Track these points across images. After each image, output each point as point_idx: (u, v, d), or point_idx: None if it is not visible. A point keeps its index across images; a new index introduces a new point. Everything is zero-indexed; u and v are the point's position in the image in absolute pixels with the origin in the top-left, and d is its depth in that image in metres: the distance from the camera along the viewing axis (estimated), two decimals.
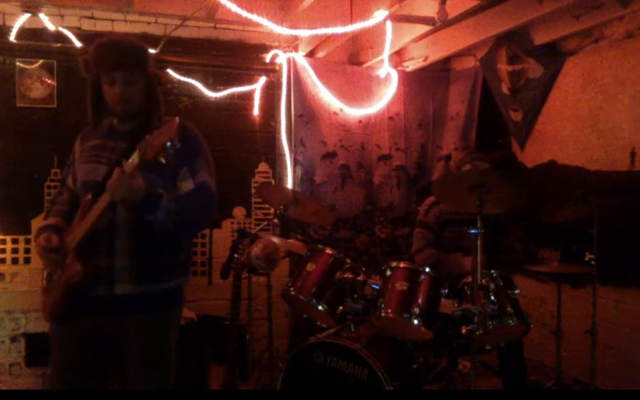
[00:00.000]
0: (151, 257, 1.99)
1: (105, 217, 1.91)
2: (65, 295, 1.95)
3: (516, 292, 2.88)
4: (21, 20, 3.87)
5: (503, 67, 4.26)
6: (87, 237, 1.92)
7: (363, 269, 3.01)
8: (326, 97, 4.61)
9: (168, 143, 1.75)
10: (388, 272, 2.87)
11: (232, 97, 4.51)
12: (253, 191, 4.56)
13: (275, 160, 4.63)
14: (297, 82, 4.53)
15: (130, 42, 2.05)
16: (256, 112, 4.58)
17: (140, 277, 1.96)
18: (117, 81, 1.96)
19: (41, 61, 4.03)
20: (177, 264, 2.09)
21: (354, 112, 4.72)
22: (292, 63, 4.52)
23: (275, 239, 3.25)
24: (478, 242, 2.57)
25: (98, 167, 2.01)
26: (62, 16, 4.06)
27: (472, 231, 2.58)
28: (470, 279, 2.66)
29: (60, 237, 1.99)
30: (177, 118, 1.82)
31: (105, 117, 2.09)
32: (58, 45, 4.02)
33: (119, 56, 1.98)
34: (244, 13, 3.51)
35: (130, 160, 1.82)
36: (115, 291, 1.94)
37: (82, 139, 2.14)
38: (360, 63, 4.89)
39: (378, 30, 4.29)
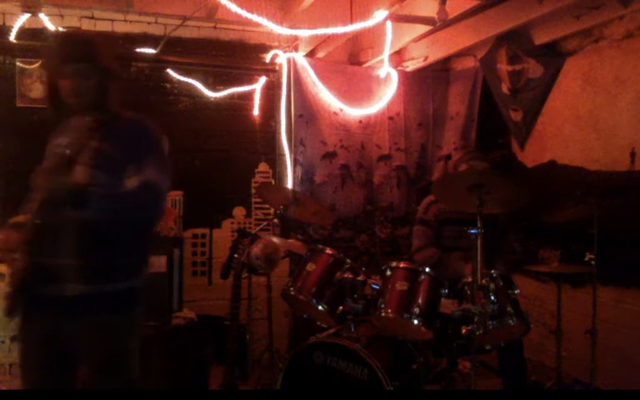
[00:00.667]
0: (100, 258, 1.95)
1: (44, 213, 1.88)
2: (13, 290, 1.92)
3: (516, 292, 2.88)
4: (21, 20, 3.87)
5: (503, 67, 4.26)
6: (33, 234, 1.89)
7: (363, 269, 3.01)
8: (326, 97, 4.61)
9: (151, 150, 1.77)
10: (388, 272, 2.86)
11: (232, 97, 4.52)
12: (253, 191, 4.56)
13: (275, 160, 4.64)
14: (297, 82, 4.53)
15: (82, 36, 2.06)
16: (256, 112, 4.58)
17: (89, 278, 1.93)
18: (67, 74, 1.96)
19: (41, 61, 4.03)
20: (129, 265, 2.04)
21: (354, 112, 4.72)
22: (292, 63, 4.52)
23: (275, 239, 3.26)
24: (478, 242, 2.57)
25: None
26: (62, 16, 4.06)
27: (472, 231, 2.58)
28: (470, 279, 2.66)
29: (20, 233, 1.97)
30: (126, 114, 1.85)
31: (66, 111, 2.08)
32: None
33: (69, 50, 1.97)
34: (244, 13, 3.51)
35: (61, 155, 1.86)
36: (65, 291, 1.92)
37: (51, 138, 2.15)
38: (360, 63, 4.89)
39: (378, 30, 4.29)
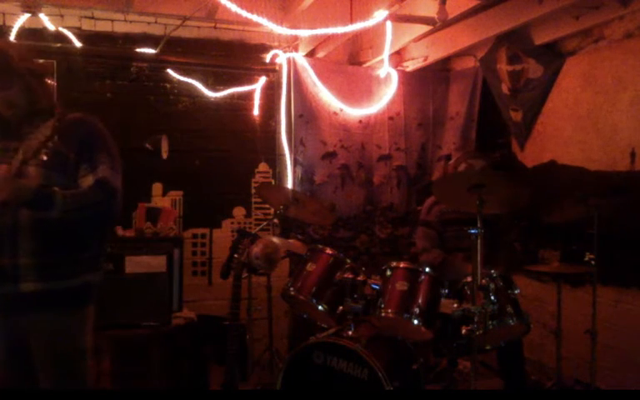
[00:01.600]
0: (55, 255, 2.00)
1: (5, 216, 1.92)
2: None
3: (516, 292, 2.88)
4: (21, 20, 3.87)
5: (503, 67, 4.26)
6: None
7: (363, 269, 3.00)
8: (326, 97, 4.61)
9: (49, 142, 1.79)
10: (388, 272, 2.87)
11: (232, 97, 4.52)
12: (253, 191, 4.56)
13: (275, 160, 4.64)
14: (297, 82, 4.53)
15: None
16: (256, 112, 4.58)
17: (45, 275, 1.97)
18: None
19: (41, 61, 4.03)
20: (84, 261, 2.08)
21: (354, 112, 4.72)
22: (292, 63, 4.52)
23: (275, 239, 3.26)
24: (478, 242, 2.57)
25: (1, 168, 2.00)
26: (62, 16, 4.06)
27: (472, 231, 2.58)
28: (470, 279, 2.66)
29: None
30: (73, 114, 1.88)
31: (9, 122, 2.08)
32: (58, 45, 4.02)
33: None
34: (244, 13, 3.51)
35: (15, 159, 1.87)
36: (20, 289, 1.95)
37: None
38: (360, 63, 4.89)
39: (378, 30, 4.29)
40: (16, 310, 1.98)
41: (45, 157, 1.89)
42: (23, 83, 2.01)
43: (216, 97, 4.47)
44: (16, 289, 1.95)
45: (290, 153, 4.55)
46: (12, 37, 3.90)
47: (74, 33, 4.06)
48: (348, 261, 2.99)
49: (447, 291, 2.84)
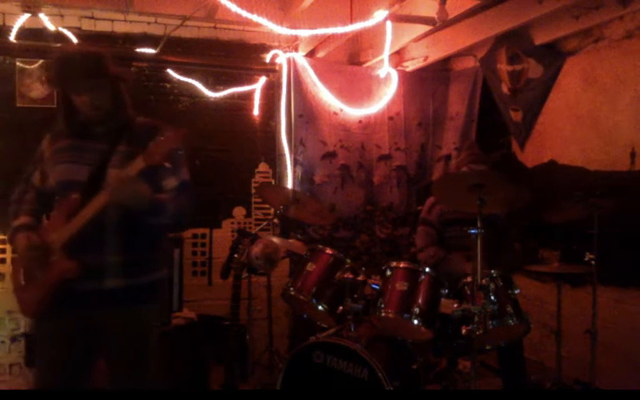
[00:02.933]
0: (138, 252, 2.07)
1: (105, 215, 1.96)
2: (51, 292, 1.98)
3: (516, 292, 2.88)
4: (21, 20, 3.87)
5: (503, 67, 4.26)
6: (75, 234, 1.96)
7: (363, 269, 3.00)
8: (326, 97, 4.61)
9: (179, 151, 1.85)
10: (388, 272, 2.86)
11: (232, 97, 4.52)
12: (253, 191, 4.56)
13: (275, 160, 4.64)
14: (297, 82, 4.53)
15: (86, 53, 2.09)
16: (256, 112, 4.58)
17: (128, 272, 2.03)
18: (81, 92, 2.02)
19: (41, 61, 4.03)
20: (159, 258, 2.18)
21: (354, 112, 4.72)
22: (292, 63, 4.52)
23: (275, 239, 3.26)
24: (478, 242, 2.57)
25: (79, 168, 2.04)
26: (62, 16, 4.06)
27: (472, 231, 2.58)
28: (470, 279, 2.66)
29: (38, 234, 2.03)
30: (179, 128, 1.91)
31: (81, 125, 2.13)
32: (58, 45, 4.02)
33: (77, 69, 2.02)
34: (244, 13, 3.51)
35: (134, 164, 1.89)
36: (105, 285, 2.00)
37: (52, 139, 2.17)
38: (360, 63, 4.89)
39: (378, 30, 4.29)
40: (97, 306, 2.01)
41: (125, 160, 1.96)
42: (112, 88, 2.08)
43: (216, 97, 4.47)
44: (100, 286, 2.00)
45: (290, 153, 4.55)
46: (12, 37, 3.91)
47: (74, 33, 4.06)
48: (348, 261, 2.99)
49: (447, 291, 2.84)
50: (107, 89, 2.05)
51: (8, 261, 3.94)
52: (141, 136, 2.04)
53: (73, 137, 2.10)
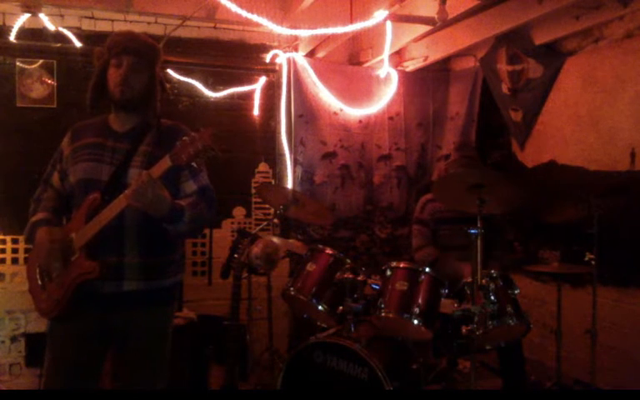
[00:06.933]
0: (157, 255, 2.06)
1: (123, 218, 1.95)
2: (72, 292, 1.96)
3: (516, 292, 2.88)
4: (21, 20, 3.87)
5: (503, 67, 4.26)
6: (97, 235, 1.94)
7: (363, 269, 3.01)
8: (326, 97, 4.61)
9: (209, 151, 1.84)
10: (388, 272, 2.87)
11: (232, 97, 4.51)
12: (253, 191, 4.56)
13: (275, 160, 4.63)
14: (297, 82, 4.53)
15: (144, 36, 2.15)
16: (256, 112, 4.58)
17: (147, 274, 2.03)
18: (123, 64, 2.03)
19: (41, 61, 4.03)
20: (176, 261, 2.17)
21: (354, 112, 4.72)
22: (292, 63, 4.52)
23: (275, 239, 3.25)
24: (478, 242, 2.57)
25: (100, 167, 2.02)
26: (62, 16, 4.06)
27: (472, 231, 2.58)
28: (470, 279, 2.66)
29: (60, 229, 2.02)
30: (208, 128, 1.90)
31: (100, 109, 2.13)
32: (58, 45, 4.02)
33: (131, 42, 2.07)
34: (244, 13, 3.51)
35: (159, 164, 1.86)
36: (123, 287, 1.99)
37: (72, 137, 2.15)
38: (360, 63, 4.89)
39: (378, 30, 4.29)
40: (114, 308, 2.00)
41: (144, 161, 1.97)
42: (149, 83, 2.10)
43: (216, 97, 4.47)
44: (119, 288, 1.99)
45: (290, 153, 4.55)
46: (12, 37, 3.91)
47: (74, 33, 4.06)
48: (348, 261, 2.99)
49: (447, 291, 2.84)
50: (145, 79, 2.07)
51: (8, 261, 3.94)
52: (164, 137, 2.04)
53: (93, 133, 2.09)
